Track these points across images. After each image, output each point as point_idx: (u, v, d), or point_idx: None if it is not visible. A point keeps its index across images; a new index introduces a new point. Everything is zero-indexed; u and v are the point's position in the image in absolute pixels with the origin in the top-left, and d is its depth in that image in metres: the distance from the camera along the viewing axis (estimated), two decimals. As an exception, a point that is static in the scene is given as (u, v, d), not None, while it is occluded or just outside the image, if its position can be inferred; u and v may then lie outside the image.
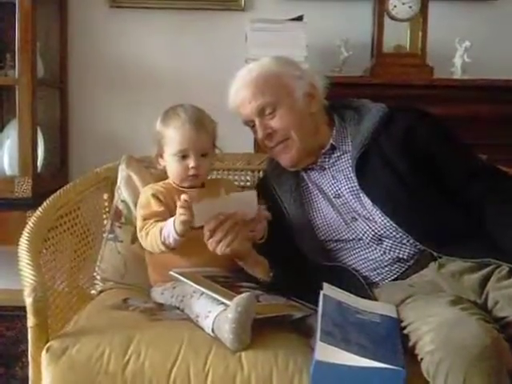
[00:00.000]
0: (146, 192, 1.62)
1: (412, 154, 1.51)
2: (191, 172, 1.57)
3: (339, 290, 1.40)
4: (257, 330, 1.30)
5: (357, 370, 1.13)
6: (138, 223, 1.58)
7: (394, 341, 1.23)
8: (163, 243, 1.48)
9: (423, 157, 1.51)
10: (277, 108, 1.58)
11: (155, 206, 1.57)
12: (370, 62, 2.70)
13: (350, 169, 1.56)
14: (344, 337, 1.20)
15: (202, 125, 1.58)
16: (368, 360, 1.13)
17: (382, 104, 1.62)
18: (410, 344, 1.23)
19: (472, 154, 1.58)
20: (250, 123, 1.63)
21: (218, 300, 1.32)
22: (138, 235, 1.58)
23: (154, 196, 1.58)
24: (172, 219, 1.46)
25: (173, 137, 1.57)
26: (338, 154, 1.62)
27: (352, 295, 1.40)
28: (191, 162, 1.56)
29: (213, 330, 1.30)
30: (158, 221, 1.53)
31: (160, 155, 1.63)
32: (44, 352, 1.29)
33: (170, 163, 1.60)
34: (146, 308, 1.49)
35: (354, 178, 1.55)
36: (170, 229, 1.46)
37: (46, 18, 2.70)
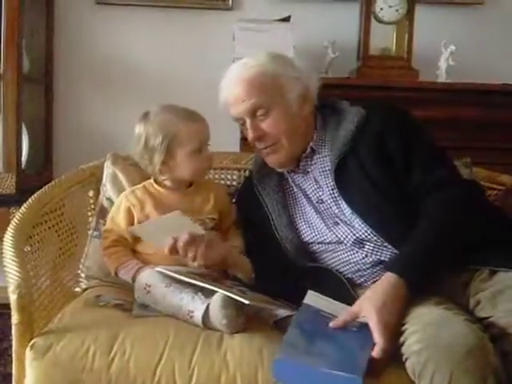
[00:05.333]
0: (122, 200, 1.65)
1: (384, 158, 1.50)
2: (209, 162, 1.63)
3: (324, 297, 1.41)
4: (242, 330, 1.32)
5: (316, 372, 1.16)
6: (103, 233, 1.67)
7: (362, 350, 1.22)
8: (116, 276, 1.60)
9: (395, 161, 1.49)
10: (270, 111, 1.54)
11: (122, 222, 1.62)
12: (356, 64, 2.71)
13: (329, 174, 1.56)
14: (307, 348, 1.22)
15: (198, 115, 1.61)
16: (325, 369, 1.15)
17: (359, 107, 1.59)
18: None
19: (442, 161, 1.53)
20: (240, 120, 1.60)
21: (212, 289, 1.34)
22: (101, 244, 1.66)
23: (128, 211, 1.62)
24: (131, 274, 1.54)
25: (189, 135, 1.57)
26: (318, 156, 1.61)
27: (338, 302, 1.40)
28: (207, 154, 1.61)
29: (203, 320, 1.34)
30: (117, 240, 1.61)
31: (165, 162, 1.59)
32: (28, 349, 1.29)
33: (187, 161, 1.58)
34: (116, 304, 1.50)
35: (333, 184, 1.54)
36: (128, 278, 1.55)
37: (33, 13, 2.67)
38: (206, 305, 1.34)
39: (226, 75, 1.61)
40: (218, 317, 1.31)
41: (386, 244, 1.47)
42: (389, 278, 1.31)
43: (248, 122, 1.56)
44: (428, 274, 1.32)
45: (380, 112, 1.57)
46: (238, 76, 1.57)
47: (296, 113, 1.58)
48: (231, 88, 1.58)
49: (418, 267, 1.31)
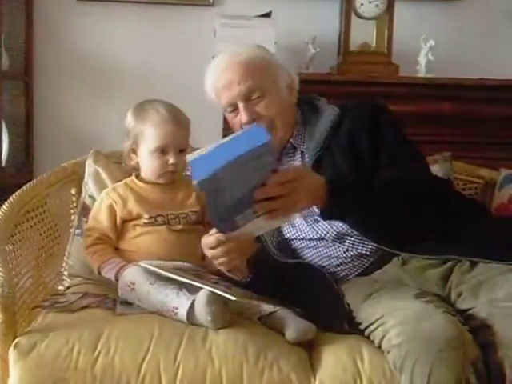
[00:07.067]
0: (103, 198, 1.64)
1: (356, 158, 1.50)
2: (170, 168, 1.58)
3: None
4: (227, 325, 1.33)
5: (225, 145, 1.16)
6: (85, 231, 1.65)
7: None
8: (100, 274, 1.57)
9: (364, 160, 1.50)
10: (264, 93, 1.54)
11: (104, 219, 1.61)
12: (336, 60, 2.73)
13: None
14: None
15: (180, 121, 1.59)
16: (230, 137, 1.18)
17: (334, 106, 1.59)
18: (377, 339, 1.26)
19: (411, 159, 1.51)
20: (230, 108, 1.57)
21: (197, 286, 1.34)
22: (83, 242, 1.64)
23: (110, 208, 1.61)
24: (114, 273, 1.51)
25: (152, 133, 1.57)
26: (299, 153, 1.61)
27: None
28: (171, 159, 1.57)
29: (188, 316, 1.33)
30: (100, 238, 1.59)
31: (133, 150, 1.63)
32: (12, 348, 1.28)
33: (147, 159, 1.60)
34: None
35: None
36: (111, 276, 1.53)
37: (12, 9, 2.65)
38: (190, 301, 1.34)
39: (213, 64, 1.60)
40: (202, 313, 1.31)
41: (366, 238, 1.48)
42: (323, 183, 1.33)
43: (241, 105, 1.54)
44: (352, 211, 1.37)
45: (352, 111, 1.57)
46: (231, 60, 1.56)
47: (286, 100, 1.59)
48: (223, 73, 1.56)
49: (347, 196, 1.35)
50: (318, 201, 1.34)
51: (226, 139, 1.17)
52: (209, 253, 1.38)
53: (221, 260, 1.38)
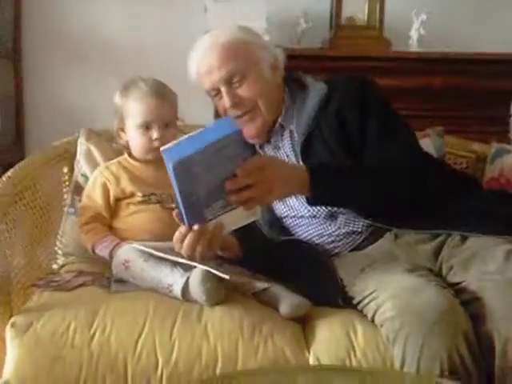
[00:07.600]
0: (97, 176, 1.65)
1: (345, 135, 1.50)
2: (155, 144, 1.57)
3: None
4: (221, 301, 1.34)
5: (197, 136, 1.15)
6: (79, 210, 1.66)
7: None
8: (94, 253, 1.58)
9: (353, 138, 1.50)
10: (245, 76, 1.53)
11: (98, 198, 1.61)
12: (328, 34, 2.71)
13: (298, 151, 1.55)
14: None
15: (163, 95, 1.59)
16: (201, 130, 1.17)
17: (322, 83, 1.58)
18: (370, 313, 1.27)
19: (396, 137, 1.50)
20: (213, 92, 1.56)
21: (190, 264, 1.34)
22: (77, 221, 1.65)
23: (103, 186, 1.61)
24: (108, 251, 1.53)
25: (135, 108, 1.57)
26: (288, 132, 1.61)
27: None
28: (155, 134, 1.57)
29: (183, 293, 1.34)
30: (94, 217, 1.60)
31: (121, 129, 1.63)
32: (8, 327, 1.29)
33: (133, 136, 1.61)
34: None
35: (301, 162, 1.54)
36: (105, 254, 1.54)
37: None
38: (185, 278, 1.35)
39: (195, 47, 1.59)
40: (197, 292, 1.32)
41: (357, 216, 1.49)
42: (304, 170, 1.34)
43: (224, 89, 1.53)
44: (336, 193, 1.37)
45: (340, 88, 1.56)
46: (211, 45, 1.55)
47: (269, 80, 1.58)
48: (204, 57, 1.55)
49: (330, 181, 1.35)
50: (302, 190, 1.34)
51: (198, 130, 1.17)
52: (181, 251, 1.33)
53: (196, 253, 1.30)
